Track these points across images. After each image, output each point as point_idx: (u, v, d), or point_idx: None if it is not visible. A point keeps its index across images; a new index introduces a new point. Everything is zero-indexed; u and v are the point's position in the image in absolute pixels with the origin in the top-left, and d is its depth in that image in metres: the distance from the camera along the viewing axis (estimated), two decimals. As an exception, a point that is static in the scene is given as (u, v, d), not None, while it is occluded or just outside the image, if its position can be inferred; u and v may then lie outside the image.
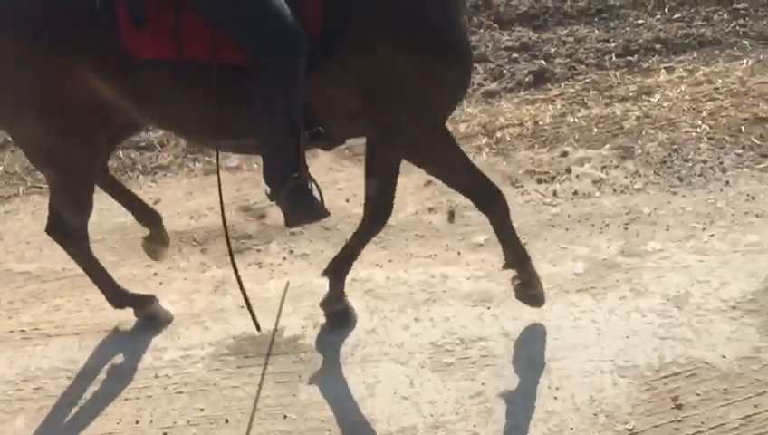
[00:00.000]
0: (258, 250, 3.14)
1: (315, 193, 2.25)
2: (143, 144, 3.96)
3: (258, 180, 3.24)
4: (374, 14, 2.15)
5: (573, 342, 2.51)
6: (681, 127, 3.62)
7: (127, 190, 2.96)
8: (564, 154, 3.51)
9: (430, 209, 3.26)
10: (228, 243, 2.33)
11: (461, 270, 2.90)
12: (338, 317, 2.69)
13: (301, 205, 2.22)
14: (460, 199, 3.36)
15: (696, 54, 4.26)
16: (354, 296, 2.77)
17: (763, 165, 3.28)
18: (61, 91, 2.24)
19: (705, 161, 3.34)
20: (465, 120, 3.90)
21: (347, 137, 2.44)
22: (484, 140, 3.73)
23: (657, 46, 4.39)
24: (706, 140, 3.49)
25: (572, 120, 3.78)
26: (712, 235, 2.90)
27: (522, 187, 3.33)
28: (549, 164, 3.47)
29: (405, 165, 2.56)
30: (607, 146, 3.52)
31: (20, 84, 2.26)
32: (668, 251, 2.86)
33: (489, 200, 2.44)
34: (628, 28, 4.69)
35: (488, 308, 2.68)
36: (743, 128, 3.53)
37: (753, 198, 3.08)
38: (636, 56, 4.34)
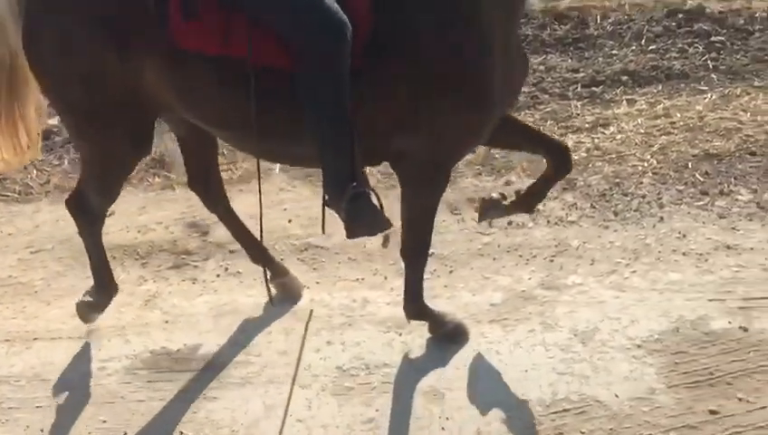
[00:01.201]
0: (195, 266, 3.23)
1: (375, 202, 2.23)
2: (110, 157, 4.10)
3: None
4: (416, 47, 2.16)
5: (473, 373, 2.54)
6: (629, 160, 3.63)
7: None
8: (508, 183, 3.55)
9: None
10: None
11: (384, 295, 2.95)
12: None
13: (361, 215, 2.20)
14: (398, 223, 3.44)
15: (660, 87, 4.27)
16: (275, 317, 2.86)
17: (701, 202, 3.28)
18: (111, 74, 2.29)
19: (644, 196, 3.35)
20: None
21: (382, 159, 2.42)
22: (434, 166, 3.79)
23: (624, 78, 4.40)
24: (651, 174, 3.50)
25: (524, 149, 3.82)
26: (634, 271, 2.91)
27: (459, 214, 3.38)
28: (491, 193, 3.51)
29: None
30: (552, 177, 3.56)
31: (75, 62, 2.32)
32: (587, 286, 2.88)
33: (415, 254, 2.52)
34: (600, 58, 4.71)
35: (400, 335, 2.73)
36: (690, 164, 3.54)
37: (683, 236, 3.09)
38: (601, 87, 4.36)
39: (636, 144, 3.75)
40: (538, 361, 2.57)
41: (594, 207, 3.33)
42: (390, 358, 2.64)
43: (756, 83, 4.22)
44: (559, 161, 2.58)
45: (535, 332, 2.68)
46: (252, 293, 3.01)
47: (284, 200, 3.61)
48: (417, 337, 2.72)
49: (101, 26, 2.28)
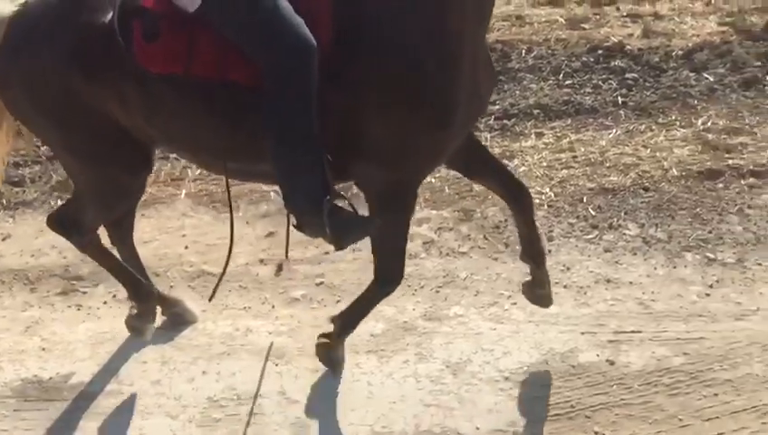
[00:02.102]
0: (84, 292, 3.19)
1: (351, 209, 2.22)
2: (16, 179, 4.06)
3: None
4: (377, 63, 2.14)
5: (342, 404, 2.55)
6: (528, 193, 3.70)
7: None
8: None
9: (261, 261, 3.33)
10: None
11: (268, 324, 2.95)
12: (538, 301, 2.70)
13: (346, 226, 2.19)
14: (292, 253, 3.45)
15: (569, 121, 4.35)
16: (153, 346, 2.84)
17: (589, 236, 3.35)
18: (88, 105, 2.29)
19: (551, 229, 3.40)
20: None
21: (351, 177, 2.39)
22: (339, 195, 3.82)
23: (536, 111, 4.48)
24: (546, 207, 3.56)
25: (428, 179, 3.86)
26: (515, 303, 2.95)
27: (356, 245, 3.41)
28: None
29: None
30: (450, 208, 3.60)
31: (48, 101, 2.32)
32: (467, 317, 2.91)
33: (389, 279, 2.48)
34: (517, 91, 4.79)
35: (276, 365, 2.73)
36: (585, 198, 3.61)
37: (567, 269, 3.14)
38: (513, 120, 4.43)
39: (537, 177, 3.82)
40: (407, 392, 2.58)
41: (487, 239, 3.38)
42: (263, 388, 2.64)
43: (661, 120, 4.33)
44: (518, 206, 2.58)
45: (409, 363, 2.70)
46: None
47: (185, 226, 3.59)
48: (293, 368, 2.72)
49: (69, 60, 2.27)
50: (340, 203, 2.20)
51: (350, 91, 2.16)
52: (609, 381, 2.57)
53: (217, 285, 2.52)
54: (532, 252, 2.64)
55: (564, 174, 3.84)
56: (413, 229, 3.51)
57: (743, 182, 3.62)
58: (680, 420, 2.41)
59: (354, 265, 3.28)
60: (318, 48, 2.10)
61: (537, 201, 3.66)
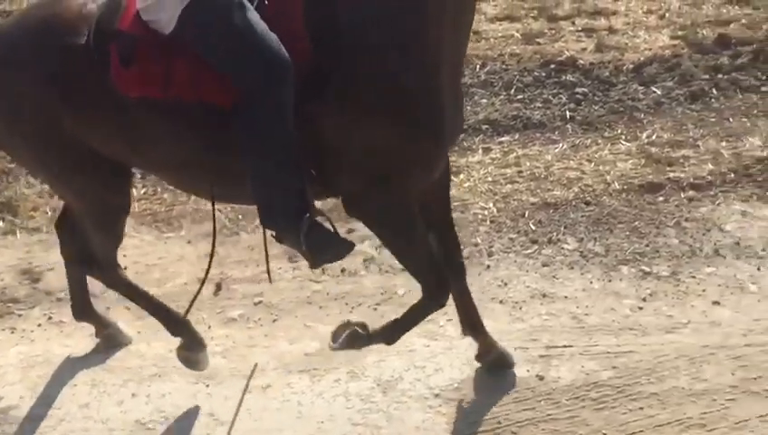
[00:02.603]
0: (19, 315, 3.16)
1: (330, 227, 2.20)
2: (-40, 199, 4.03)
3: (52, 242, 3.33)
4: (355, 76, 2.12)
5: (270, 424, 2.54)
6: (471, 208, 3.71)
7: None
8: (350, 231, 3.58)
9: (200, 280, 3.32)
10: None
11: (203, 345, 2.95)
12: (497, 365, 2.66)
13: (323, 245, 2.18)
14: (233, 272, 3.45)
15: (517, 136, 4.39)
16: (85, 369, 2.82)
17: (529, 251, 3.37)
18: (66, 130, 2.27)
19: (476, 244, 3.42)
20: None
21: (337, 191, 2.36)
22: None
23: (485, 126, 4.51)
24: (489, 223, 3.58)
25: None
26: (450, 319, 2.93)
27: (296, 262, 3.40)
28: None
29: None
30: (393, 224, 3.62)
31: (29, 124, 2.30)
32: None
33: (434, 290, 2.40)
34: (468, 107, 4.81)
35: (207, 386, 2.71)
36: (527, 213, 3.63)
37: (505, 284, 3.15)
38: (462, 135, 4.47)
39: (481, 192, 3.84)
40: (336, 411, 2.58)
41: (427, 255, 3.40)
42: (192, 410, 2.62)
43: (607, 134, 4.36)
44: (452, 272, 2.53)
45: (341, 381, 2.70)
46: (69, 342, 2.96)
47: (126, 246, 3.52)
48: (224, 389, 2.70)
49: (48, 85, 2.24)
50: (320, 220, 2.19)
51: (331, 105, 2.14)
52: (537, 396, 2.59)
53: (192, 303, 2.51)
54: (470, 320, 2.63)
55: (508, 189, 3.86)
56: (356, 247, 3.55)
57: (682, 195, 3.66)
58: (604, 434, 2.43)
59: (294, 284, 3.27)
60: (294, 63, 2.10)
61: (480, 217, 3.68)
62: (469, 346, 2.82)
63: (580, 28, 5.92)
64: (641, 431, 2.41)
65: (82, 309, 2.88)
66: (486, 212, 3.66)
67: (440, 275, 2.38)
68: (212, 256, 2.47)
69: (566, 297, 3.05)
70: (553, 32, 5.88)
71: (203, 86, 2.14)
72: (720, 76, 4.83)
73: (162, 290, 3.20)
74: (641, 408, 2.49)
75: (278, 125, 2.10)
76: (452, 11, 2.16)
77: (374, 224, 2.37)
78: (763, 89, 4.62)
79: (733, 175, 3.79)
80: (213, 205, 2.39)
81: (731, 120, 4.32)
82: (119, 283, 2.74)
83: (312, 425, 2.51)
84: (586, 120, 4.52)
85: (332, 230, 2.21)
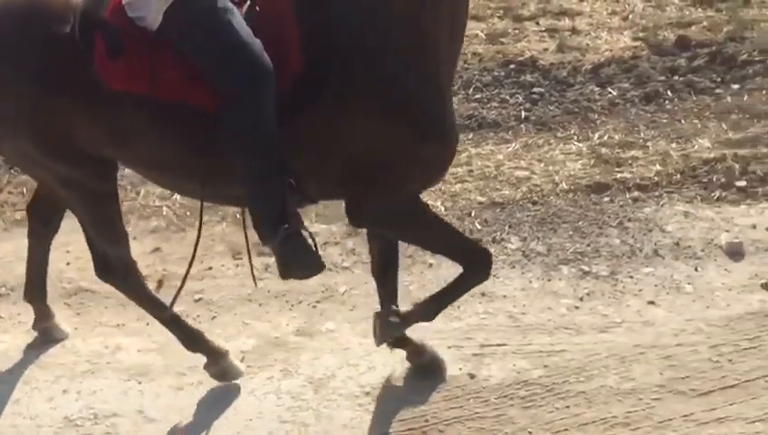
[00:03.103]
0: (-43, 313, 3.15)
1: (310, 243, 2.19)
2: None
3: None
4: (353, 79, 2.12)
5: (199, 422, 2.53)
6: (419, 207, 3.73)
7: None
8: (298, 228, 3.59)
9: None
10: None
11: (139, 342, 2.92)
12: (427, 368, 2.65)
13: (295, 258, 2.17)
14: (175, 268, 3.43)
15: (471, 136, 4.40)
16: (19, 365, 2.80)
17: (472, 250, 3.39)
18: (50, 121, 2.23)
19: (431, 243, 3.42)
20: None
21: (321, 198, 2.41)
22: (233, 208, 3.78)
23: (440, 125, 4.54)
24: (435, 221, 3.60)
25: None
26: (387, 318, 2.98)
27: (240, 259, 3.39)
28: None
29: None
30: (340, 222, 3.60)
31: (15, 116, 2.26)
32: (339, 332, 2.92)
33: (476, 264, 2.41)
34: (426, 105, 4.85)
35: (139, 383, 2.71)
36: (474, 212, 3.64)
37: (445, 283, 3.16)
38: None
39: (430, 191, 3.83)
40: (266, 409, 2.58)
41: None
42: (121, 407, 2.61)
43: (559, 134, 4.39)
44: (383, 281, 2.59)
45: (273, 379, 2.70)
46: (4, 338, 2.94)
47: (71, 242, 3.51)
48: (156, 386, 2.69)
49: (32, 74, 2.20)
50: (302, 234, 2.19)
51: (330, 107, 2.13)
52: (466, 394, 2.60)
53: (175, 298, 2.47)
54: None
55: (458, 188, 3.87)
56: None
57: (627, 196, 3.68)
58: (529, 432, 2.44)
59: (235, 281, 3.26)
60: (288, 69, 2.11)
61: (427, 215, 3.70)
62: (404, 344, 2.86)
63: (543, 28, 5.92)
64: (566, 430, 2.44)
65: (34, 292, 2.87)
66: (434, 211, 3.68)
67: (477, 248, 2.40)
68: (193, 256, 2.46)
69: (504, 296, 3.07)
70: (517, 32, 5.89)
71: (188, 86, 2.14)
72: (676, 78, 4.86)
73: (102, 287, 3.17)
74: (568, 406, 2.51)
75: (260, 130, 2.11)
76: (446, 15, 2.19)
77: (384, 227, 2.38)
78: (717, 91, 4.66)
79: (679, 176, 3.83)
80: (201, 205, 2.37)
81: (683, 121, 4.36)
82: (136, 291, 2.64)
83: (240, 422, 2.51)
84: (540, 120, 4.54)
85: (311, 246, 2.19)
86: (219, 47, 2.12)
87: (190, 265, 2.45)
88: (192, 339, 2.67)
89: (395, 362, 2.74)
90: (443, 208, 3.69)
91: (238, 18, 2.15)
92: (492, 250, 3.35)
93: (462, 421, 2.49)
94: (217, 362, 2.67)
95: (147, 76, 2.13)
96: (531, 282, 3.15)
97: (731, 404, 2.49)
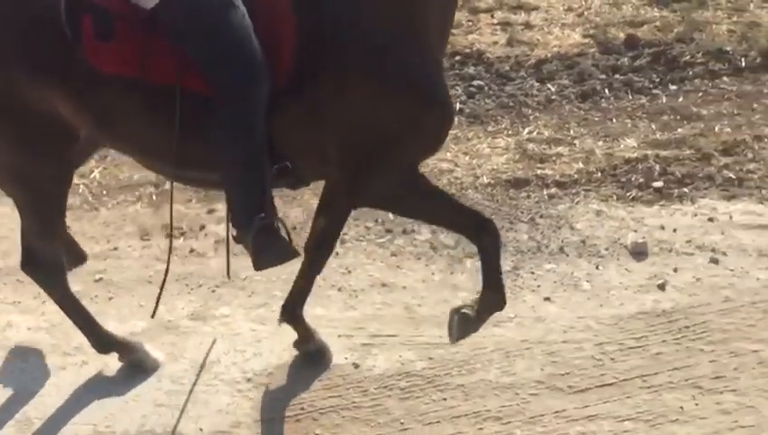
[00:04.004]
0: None
1: (283, 233, 2.19)
2: None
3: None
4: (348, 59, 2.11)
5: (75, 402, 2.52)
6: (337, 195, 3.72)
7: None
8: (211, 211, 3.58)
9: (47, 256, 3.29)
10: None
11: (31, 320, 2.91)
12: (313, 356, 2.67)
13: (268, 247, 2.17)
14: (82, 247, 3.40)
15: (402, 126, 4.41)
16: None
17: (382, 240, 3.36)
18: (20, 103, 2.16)
19: (346, 232, 3.42)
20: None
21: (314, 179, 2.40)
22: (150, 189, 3.77)
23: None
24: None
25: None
26: (284, 305, 2.98)
27: (149, 240, 3.38)
28: (190, 220, 3.53)
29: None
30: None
31: None
32: (233, 317, 2.91)
33: (478, 232, 2.38)
34: (364, 93, 4.83)
35: (25, 362, 2.69)
36: (390, 202, 3.66)
37: (349, 272, 3.15)
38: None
39: (351, 180, 3.85)
40: (143, 392, 2.57)
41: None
42: (6, 383, 2.60)
43: (490, 128, 4.39)
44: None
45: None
46: None
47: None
48: (40, 364, 2.68)
49: (13, 52, 2.13)
50: (276, 225, 2.18)
51: (338, 94, 2.11)
52: (347, 384, 2.61)
53: (158, 301, 2.43)
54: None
55: (379, 178, 3.88)
56: (208, 228, 3.55)
57: (545, 192, 3.68)
58: (402, 423, 2.46)
59: (139, 263, 3.25)
60: (284, 48, 2.08)
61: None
62: (294, 332, 2.85)
63: (497, 21, 5.95)
64: (438, 422, 2.45)
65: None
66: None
67: (479, 217, 2.38)
68: (171, 248, 2.44)
69: (404, 287, 3.07)
70: (471, 24, 5.88)
71: (181, 71, 2.09)
72: (616, 76, 4.87)
73: (5, 263, 3.17)
74: (444, 399, 2.53)
75: (251, 127, 2.10)
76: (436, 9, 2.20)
77: (386, 202, 2.38)
78: (654, 91, 4.68)
79: (599, 174, 3.83)
80: (171, 188, 2.36)
81: (614, 120, 4.37)
82: (58, 291, 2.57)
83: (117, 404, 2.51)
84: (474, 112, 4.54)
85: (285, 236, 2.20)
86: (218, 42, 2.08)
87: (168, 259, 2.43)
88: (104, 343, 2.65)
89: (282, 350, 2.75)
90: (360, 198, 3.69)
91: (239, 12, 2.10)
92: (400, 241, 3.43)
93: (338, 410, 2.50)
94: (133, 355, 2.67)
95: (137, 59, 2.08)
96: (433, 274, 3.15)
97: (605, 402, 2.52)
